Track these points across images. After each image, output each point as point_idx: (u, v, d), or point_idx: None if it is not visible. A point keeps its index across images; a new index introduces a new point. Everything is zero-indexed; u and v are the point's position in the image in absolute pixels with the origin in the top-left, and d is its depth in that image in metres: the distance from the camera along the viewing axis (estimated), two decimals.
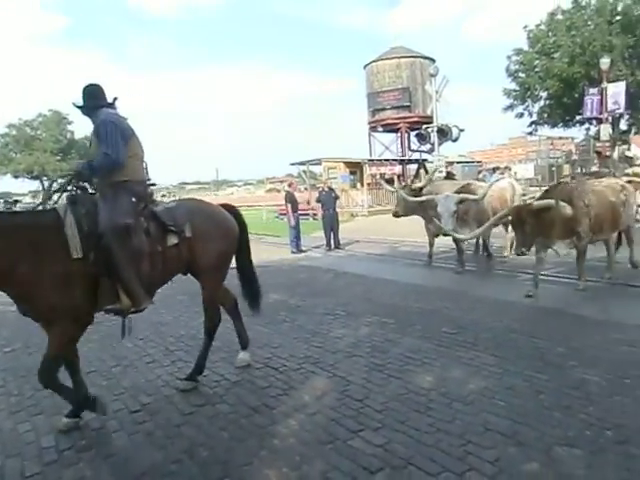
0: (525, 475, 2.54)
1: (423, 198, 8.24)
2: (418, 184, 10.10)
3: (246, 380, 3.99)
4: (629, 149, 18.25)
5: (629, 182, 11.51)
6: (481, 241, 9.19)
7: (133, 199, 3.47)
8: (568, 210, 5.61)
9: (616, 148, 22.79)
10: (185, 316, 6.09)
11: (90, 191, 3.49)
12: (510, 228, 10.94)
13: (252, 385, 3.89)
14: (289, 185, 13.77)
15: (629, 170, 13.18)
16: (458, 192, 7.85)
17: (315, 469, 2.69)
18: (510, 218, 5.96)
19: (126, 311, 3.39)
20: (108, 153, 3.32)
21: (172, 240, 3.61)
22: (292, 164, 32.13)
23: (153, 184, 4.24)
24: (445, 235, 8.17)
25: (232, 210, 4.27)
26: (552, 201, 5.56)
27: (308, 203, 20.06)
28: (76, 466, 2.87)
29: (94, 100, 3.53)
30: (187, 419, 3.36)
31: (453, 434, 2.94)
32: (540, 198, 6.03)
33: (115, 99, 3.61)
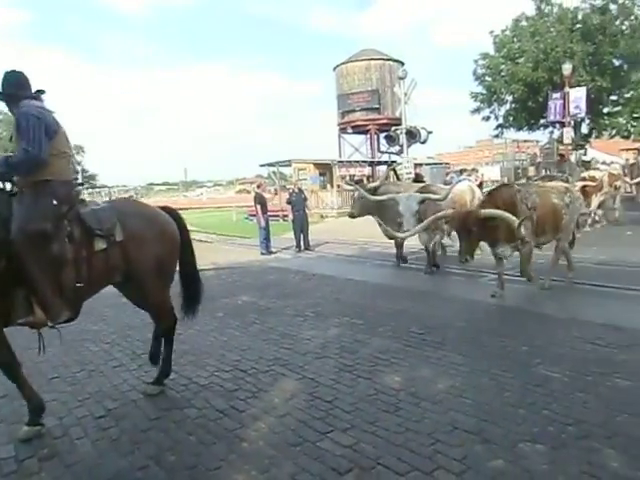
0: (491, 472, 2.58)
1: (384, 197, 8.09)
2: (372, 184, 10.02)
3: (215, 383, 3.94)
4: (585, 153, 18.44)
5: (584, 186, 11.48)
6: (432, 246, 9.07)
7: (54, 201, 3.14)
8: (515, 222, 5.39)
9: (574, 152, 23.49)
10: None
11: (9, 190, 3.17)
12: None
13: (221, 388, 3.85)
14: (258, 186, 13.71)
15: (585, 174, 13.31)
16: (419, 192, 7.87)
17: (284, 472, 2.68)
18: (455, 225, 5.84)
19: (40, 325, 3.12)
20: (28, 149, 3.01)
21: (100, 245, 3.31)
22: (262, 165, 32.06)
23: (81, 184, 3.92)
24: (390, 238, 8.07)
25: (172, 213, 4.00)
26: (500, 212, 5.52)
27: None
28: (37, 476, 2.77)
29: (16, 89, 3.20)
30: (154, 424, 3.29)
31: (422, 433, 2.96)
32: (483, 202, 5.97)
33: (41, 91, 3.30)
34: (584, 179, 12.15)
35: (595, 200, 12.15)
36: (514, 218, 5.43)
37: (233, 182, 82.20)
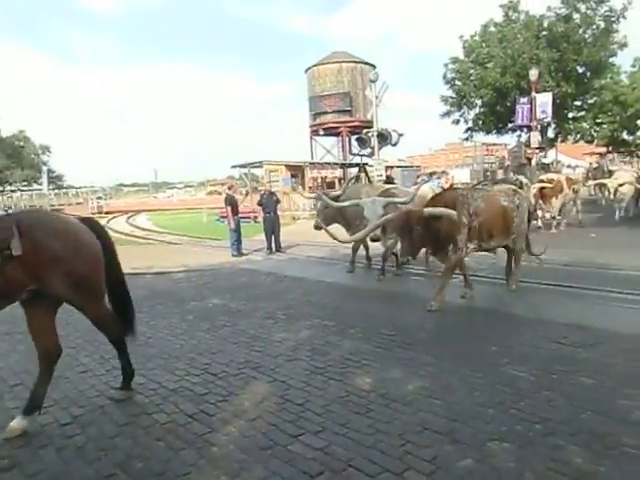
0: (460, 471, 2.61)
1: (347, 203, 7.90)
2: (334, 192, 10.03)
3: (184, 387, 3.88)
4: (545, 156, 18.25)
5: (542, 189, 12.18)
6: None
7: None
8: (454, 215, 5.44)
9: (534, 155, 24.03)
10: None
11: None
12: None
13: (190, 392, 3.79)
14: (229, 188, 13.60)
15: (543, 176, 13.54)
16: (382, 196, 7.73)
17: (254, 476, 2.66)
18: (397, 224, 5.73)
19: None
20: None
21: None
22: (233, 167, 31.93)
23: None
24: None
25: (93, 225, 3.67)
26: (440, 209, 5.44)
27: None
28: None
29: None
30: (121, 430, 3.22)
31: (392, 434, 2.98)
32: (426, 205, 5.81)
33: None
34: (542, 181, 12.37)
35: (556, 203, 12.36)
36: (454, 212, 5.42)
37: (204, 183, 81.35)
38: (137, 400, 3.69)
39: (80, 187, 57.29)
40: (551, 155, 30.55)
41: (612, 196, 13.73)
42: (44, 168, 50.77)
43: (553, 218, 12.65)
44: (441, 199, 5.88)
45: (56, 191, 52.06)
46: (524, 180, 11.38)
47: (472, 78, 27.58)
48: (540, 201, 12.27)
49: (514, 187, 7.06)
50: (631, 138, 35.06)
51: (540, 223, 12.61)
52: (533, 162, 18.71)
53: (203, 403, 3.57)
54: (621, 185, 13.52)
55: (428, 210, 5.51)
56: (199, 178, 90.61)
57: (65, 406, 3.61)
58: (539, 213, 12.66)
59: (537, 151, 19.87)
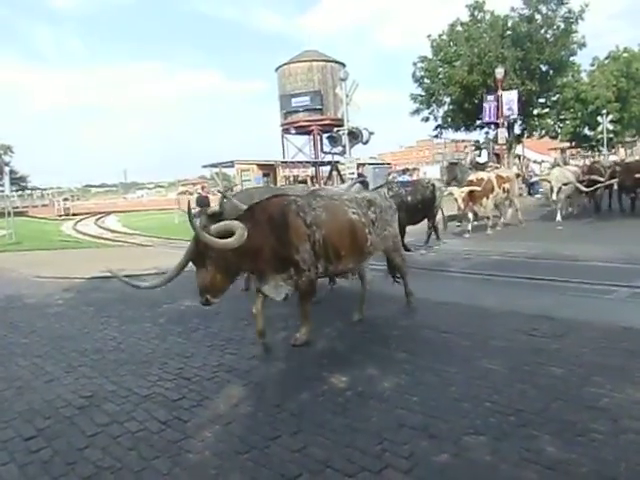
0: (437, 466, 2.62)
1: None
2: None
3: (157, 393, 3.79)
4: (480, 155, 17.13)
5: (471, 192, 11.30)
6: None
7: None
8: (234, 239, 3.84)
9: (468, 154, 24.42)
10: (90, 328, 5.71)
11: None
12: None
13: (163, 398, 3.70)
14: (202, 188, 13.47)
15: (473, 176, 12.39)
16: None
17: None
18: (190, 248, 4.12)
19: None
20: None
21: None
22: (204, 166, 31.61)
23: None
24: None
25: None
26: (234, 223, 4.02)
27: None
28: None
29: None
30: (91, 441, 3.11)
31: (369, 432, 2.97)
32: (238, 218, 4.23)
33: None
34: (471, 182, 11.63)
35: (487, 203, 11.73)
36: (237, 230, 3.88)
37: (175, 184, 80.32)
38: (107, 408, 3.58)
39: (46, 188, 55.86)
40: (518, 150, 31.31)
41: (554, 195, 12.62)
42: (6, 169, 49.21)
43: (488, 219, 12.11)
44: (264, 210, 4.37)
45: (20, 193, 50.56)
46: (437, 184, 10.19)
47: (440, 76, 28.00)
48: (470, 203, 11.49)
49: (369, 195, 5.46)
50: (592, 133, 36.25)
51: (470, 227, 11.89)
52: (467, 160, 18.00)
53: (177, 409, 3.49)
54: (565, 184, 12.68)
55: (216, 227, 3.99)
56: (170, 178, 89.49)
57: (29, 418, 3.47)
58: (470, 217, 11.86)
59: (473, 149, 18.61)
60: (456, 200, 11.24)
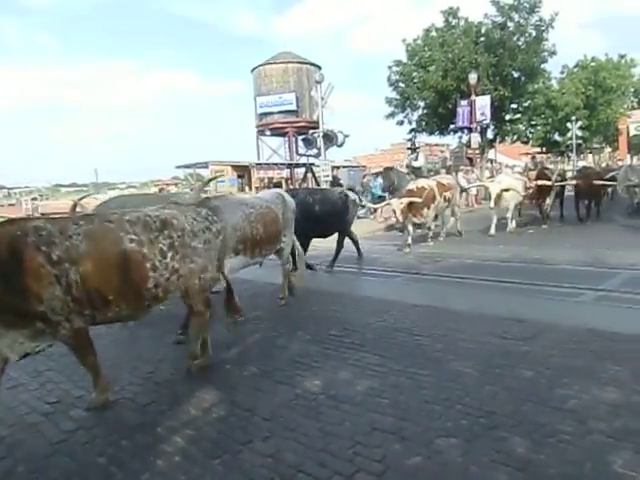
0: (409, 469, 2.63)
1: None
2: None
3: (126, 398, 3.72)
4: (417, 158, 15.06)
5: (410, 204, 9.86)
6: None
7: None
8: None
9: (405, 157, 24.52)
10: None
11: None
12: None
13: (133, 403, 3.64)
14: (160, 190, 13.27)
15: (412, 185, 10.88)
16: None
17: None
18: None
19: None
20: None
21: None
22: (178, 167, 31.21)
23: None
24: None
25: None
26: None
27: None
28: None
29: None
30: (57, 448, 3.03)
31: (342, 436, 2.97)
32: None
33: None
34: (411, 192, 10.34)
35: (428, 213, 10.49)
36: None
37: (148, 184, 79.11)
38: (74, 414, 3.49)
39: (12, 187, 54.32)
40: (491, 155, 31.88)
41: (492, 203, 11.36)
42: None
43: (429, 229, 11.06)
44: None
45: None
46: (351, 194, 9.02)
47: (415, 81, 28.30)
48: (410, 215, 10.22)
49: (166, 217, 3.87)
50: (562, 139, 37.21)
51: (410, 240, 10.44)
52: (403, 165, 15.49)
53: (147, 413, 3.43)
54: (506, 190, 11.40)
55: None
56: (142, 178, 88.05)
57: None
58: (410, 229, 10.49)
59: (409, 152, 15.75)
60: (394, 212, 10.23)
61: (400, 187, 12.27)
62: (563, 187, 13.30)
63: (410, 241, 10.43)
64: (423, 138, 33.02)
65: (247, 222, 5.34)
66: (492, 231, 11.40)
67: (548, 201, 12.70)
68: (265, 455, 2.82)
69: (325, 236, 8.58)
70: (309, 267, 8.02)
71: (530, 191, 12.07)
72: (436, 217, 11.30)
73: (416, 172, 14.01)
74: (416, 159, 14.86)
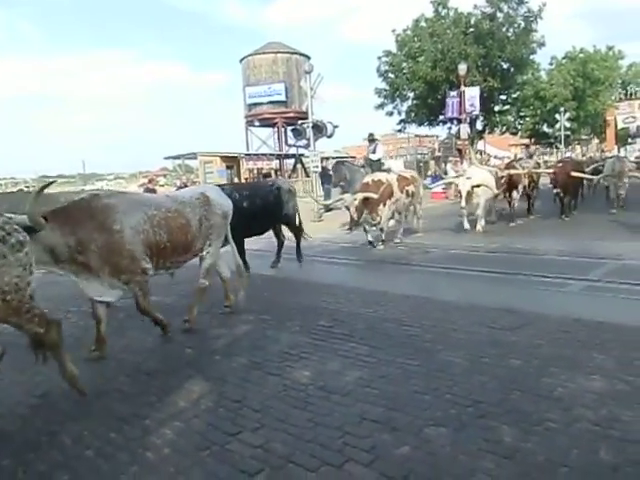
0: (399, 459, 2.64)
1: None
2: None
3: (114, 389, 3.70)
4: (374, 150, 13.52)
5: (365, 199, 8.77)
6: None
7: None
8: None
9: (464, 146, 24.55)
10: None
11: None
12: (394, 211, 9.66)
13: (121, 394, 3.62)
14: (150, 181, 13.14)
15: (369, 178, 9.74)
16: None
17: (191, 479, 2.57)
18: None
19: None
20: None
21: None
22: (166, 158, 30.99)
23: None
24: None
25: None
26: None
27: None
28: None
29: None
30: (44, 441, 3.00)
31: (331, 427, 2.97)
32: None
33: None
34: (366, 185, 9.26)
35: (384, 211, 9.34)
36: None
37: (136, 175, 78.39)
38: (62, 406, 3.47)
39: None
40: (480, 146, 32.01)
41: (463, 202, 10.23)
42: None
43: (382, 230, 9.62)
44: None
45: None
46: (285, 186, 8.36)
47: (404, 71, 28.29)
48: (366, 212, 9.07)
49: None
50: (550, 130, 37.47)
51: (370, 237, 9.60)
52: (374, 156, 13.45)
53: (136, 405, 3.41)
54: (477, 186, 10.35)
55: None
56: (131, 170, 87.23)
57: None
58: (367, 227, 9.55)
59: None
60: (348, 209, 9.10)
61: (354, 181, 11.39)
62: (536, 180, 12.86)
63: (370, 238, 9.56)
64: (412, 129, 33.08)
65: (149, 225, 4.40)
66: (466, 225, 10.48)
67: (515, 195, 11.93)
68: (254, 446, 2.82)
69: (260, 234, 7.99)
70: (248, 269, 7.33)
71: (502, 181, 11.30)
72: (400, 214, 10.38)
73: (374, 165, 12.76)
74: (374, 151, 13.49)
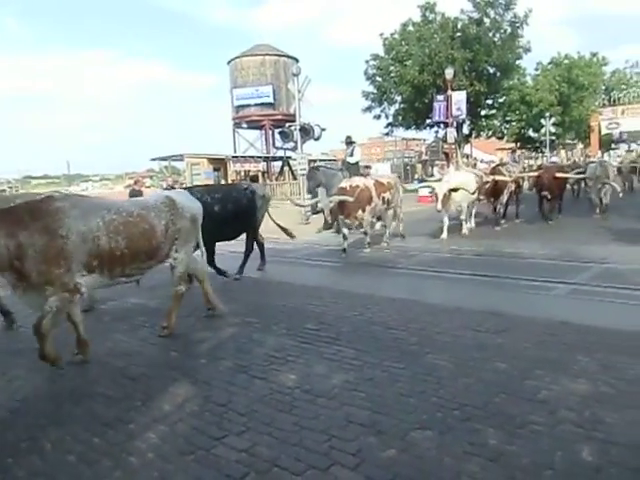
0: (384, 462, 2.64)
1: None
2: None
3: (99, 393, 3.65)
4: (352, 154, 13.22)
5: (341, 203, 8.53)
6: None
7: None
8: None
9: (450, 150, 24.66)
10: (28, 326, 5.41)
11: None
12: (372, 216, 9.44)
13: (106, 398, 3.57)
14: (135, 182, 12.97)
15: (345, 183, 9.44)
16: None
17: None
18: None
19: None
20: None
21: None
22: (153, 159, 30.70)
23: None
24: None
25: None
26: None
27: None
28: None
29: None
30: (24, 447, 2.95)
31: (317, 430, 2.96)
32: None
33: None
34: (343, 190, 9.05)
35: (364, 216, 9.16)
36: None
37: (122, 176, 77.73)
38: (44, 409, 3.41)
39: None
40: (467, 149, 32.28)
41: (439, 205, 9.93)
42: None
43: (365, 234, 9.50)
44: None
45: None
46: (259, 190, 8.21)
47: (392, 75, 28.45)
48: (342, 217, 9.03)
49: None
50: (536, 135, 37.89)
51: (346, 245, 9.21)
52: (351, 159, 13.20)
53: (120, 410, 3.37)
54: (454, 190, 10.05)
55: None
56: (117, 171, 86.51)
57: None
58: (345, 232, 9.25)
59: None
60: (322, 212, 9.18)
61: (331, 186, 11.05)
62: (520, 186, 12.96)
63: (346, 245, 9.25)
64: (400, 132, 33.25)
65: (104, 232, 4.11)
66: (444, 235, 10.30)
67: (502, 200, 11.79)
68: (240, 450, 2.80)
69: (231, 238, 7.72)
70: (221, 273, 7.45)
71: (487, 186, 11.20)
72: (379, 219, 10.29)
73: (351, 169, 12.48)
74: (351, 154, 13.19)
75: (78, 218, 3.95)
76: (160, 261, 4.81)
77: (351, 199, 8.78)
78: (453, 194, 10.09)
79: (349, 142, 13.46)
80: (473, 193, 10.69)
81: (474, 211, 11.62)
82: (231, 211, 7.25)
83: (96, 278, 4.16)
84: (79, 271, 3.97)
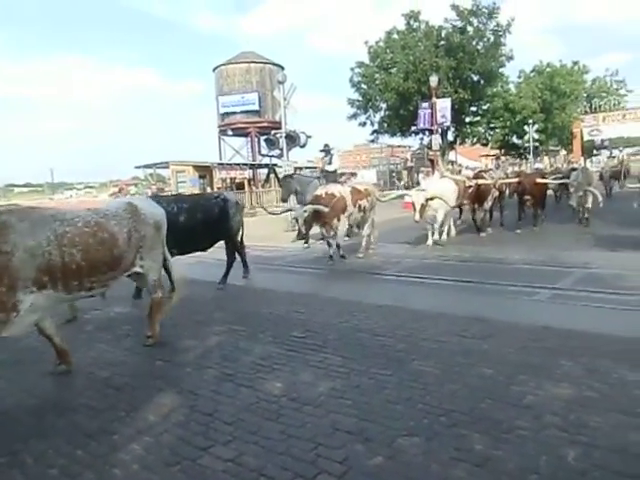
0: (371, 469, 2.64)
1: None
2: None
3: (82, 405, 3.60)
4: (330, 161, 13.01)
5: (316, 212, 8.35)
6: None
7: None
8: None
9: (436, 156, 24.86)
10: (10, 337, 5.32)
11: None
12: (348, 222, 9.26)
13: (89, 409, 3.52)
14: (119, 190, 12.92)
15: (321, 190, 9.23)
16: None
17: None
18: None
19: None
20: None
21: None
22: (137, 167, 30.49)
23: None
24: None
25: None
26: None
27: None
28: None
29: None
30: (5, 461, 2.89)
31: (303, 438, 2.95)
32: None
33: None
34: (319, 198, 8.78)
35: (338, 225, 9.05)
36: None
37: (107, 184, 77.05)
38: (25, 422, 3.35)
39: None
40: (451, 156, 32.59)
41: (417, 216, 9.52)
42: None
43: (338, 247, 9.23)
44: None
45: None
46: (232, 198, 7.95)
47: (377, 82, 28.69)
48: (316, 225, 8.88)
49: None
50: (520, 142, 38.45)
51: (332, 252, 9.07)
52: (330, 168, 13.02)
53: (104, 421, 3.32)
54: (430, 199, 9.65)
55: None
56: (101, 179, 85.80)
57: None
58: (330, 241, 9.06)
59: (323, 155, 13.35)
60: (296, 221, 8.87)
61: (306, 194, 10.88)
62: (503, 192, 13.10)
63: (332, 252, 9.11)
64: (385, 139, 33.49)
65: (56, 245, 3.83)
66: (429, 241, 10.28)
67: (485, 206, 11.75)
68: (226, 460, 2.77)
69: (202, 250, 7.47)
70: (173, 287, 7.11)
71: (470, 190, 11.10)
72: (358, 227, 9.93)
73: (330, 177, 12.26)
74: (330, 162, 13.02)
75: (25, 232, 3.68)
76: (125, 270, 4.55)
77: (326, 209, 8.52)
78: (430, 203, 9.78)
79: (327, 150, 13.35)
80: (453, 207, 10.54)
81: (451, 222, 11.38)
82: (201, 220, 7.06)
83: (49, 294, 3.84)
84: (27, 287, 3.67)
